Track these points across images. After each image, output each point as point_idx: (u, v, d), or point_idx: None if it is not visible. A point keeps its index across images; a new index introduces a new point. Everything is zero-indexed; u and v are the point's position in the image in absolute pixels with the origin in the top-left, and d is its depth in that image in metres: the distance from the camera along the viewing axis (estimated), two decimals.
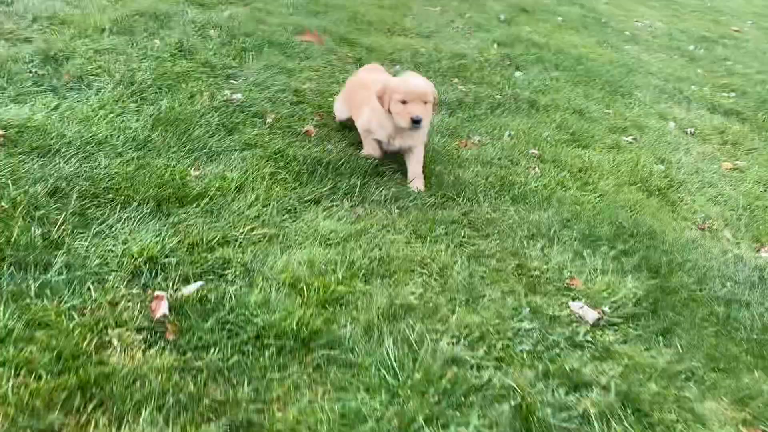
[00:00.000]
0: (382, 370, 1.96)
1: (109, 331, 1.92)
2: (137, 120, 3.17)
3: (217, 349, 1.92)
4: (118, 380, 1.74)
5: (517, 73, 5.14)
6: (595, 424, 1.89)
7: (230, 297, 2.12)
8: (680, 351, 2.26)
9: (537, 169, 3.47)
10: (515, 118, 4.16)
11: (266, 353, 1.94)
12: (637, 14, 9.09)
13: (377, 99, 2.95)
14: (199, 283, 2.16)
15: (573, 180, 3.42)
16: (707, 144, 4.60)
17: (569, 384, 2.02)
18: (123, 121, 3.14)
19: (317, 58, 4.53)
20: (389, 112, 2.92)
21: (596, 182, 3.44)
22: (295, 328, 2.01)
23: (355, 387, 1.89)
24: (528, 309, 2.34)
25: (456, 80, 4.70)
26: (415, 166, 3.03)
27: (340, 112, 3.47)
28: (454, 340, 2.12)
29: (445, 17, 6.45)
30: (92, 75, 3.56)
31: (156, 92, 3.51)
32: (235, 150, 3.07)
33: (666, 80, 5.93)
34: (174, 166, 2.81)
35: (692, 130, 4.77)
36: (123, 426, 1.63)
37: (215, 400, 1.74)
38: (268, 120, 3.45)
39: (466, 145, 3.60)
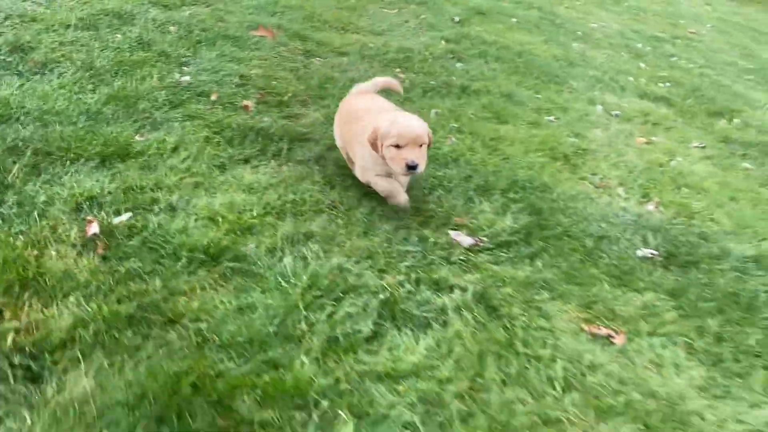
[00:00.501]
0: (279, 278, 2.40)
1: (49, 246, 2.37)
2: (92, 97, 3.63)
3: (138, 259, 2.37)
4: (51, 276, 2.18)
5: (458, 65, 5.64)
6: (450, 313, 2.33)
7: (154, 225, 2.57)
8: (541, 268, 2.71)
9: (453, 138, 3.94)
10: (444, 101, 4.64)
11: (179, 263, 2.39)
12: (596, 17, 9.62)
13: (370, 145, 2.81)
14: (129, 214, 2.61)
15: (483, 147, 3.89)
16: (628, 124, 5.08)
17: (435, 287, 2.47)
18: (79, 98, 3.60)
19: (268, 50, 5.02)
20: (383, 157, 2.78)
21: (505, 149, 3.92)
22: (205, 244, 2.47)
23: (253, 289, 2.34)
24: (416, 238, 2.79)
25: (398, 69, 5.19)
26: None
27: (338, 139, 3.28)
28: (345, 258, 2.57)
29: (400, 18, 6.97)
30: (56, 62, 4.03)
31: (112, 76, 3.98)
32: (177, 120, 3.53)
33: (605, 72, 6.43)
34: (120, 132, 3.28)
35: (618, 113, 5.26)
36: (51, 306, 2.07)
37: (131, 290, 2.19)
38: (213, 98, 3.92)
39: None
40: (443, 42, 6.31)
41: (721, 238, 3.35)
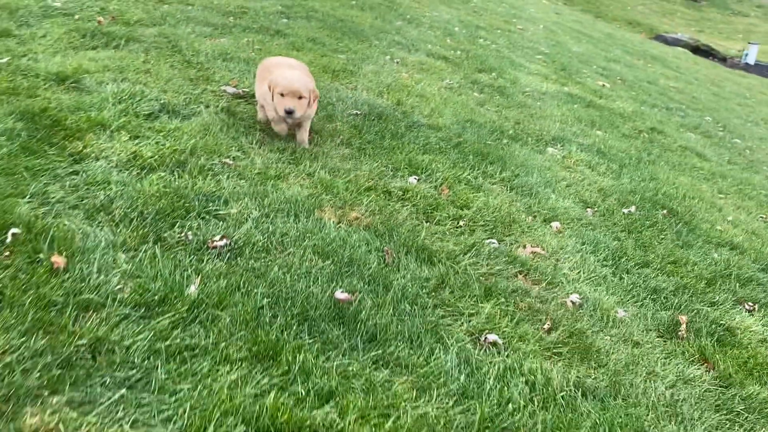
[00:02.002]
0: (100, 93, 4.32)
1: None
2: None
3: (9, 76, 4.22)
4: None
5: (284, 20, 7.71)
6: (204, 113, 4.33)
7: (23, 63, 4.43)
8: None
9: (252, 54, 5.97)
10: (259, 36, 6.68)
11: (38, 79, 4.26)
12: (434, 9, 12.00)
13: (268, 89, 3.87)
14: (7, 58, 4.45)
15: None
16: (403, 67, 7.29)
17: (202, 104, 4.46)
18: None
19: None
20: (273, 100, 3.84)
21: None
22: (57, 72, 4.35)
23: (82, 96, 4.24)
24: (202, 88, 4.77)
25: (231, 18, 7.19)
26: (302, 134, 4.15)
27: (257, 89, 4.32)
28: (147, 88, 4.52)
29: None
30: None
31: None
32: (46, 23, 5.37)
33: (410, 40, 8.68)
34: (1, 25, 5.09)
35: (398, 60, 7.47)
36: None
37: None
38: (75, 16, 5.78)
39: (216, 41, 6.07)
40: (280, 6, 8.38)
41: (412, 113, 5.53)
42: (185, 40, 5.81)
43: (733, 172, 7.11)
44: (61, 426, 1.88)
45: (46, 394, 1.96)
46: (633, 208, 4.82)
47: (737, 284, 4.14)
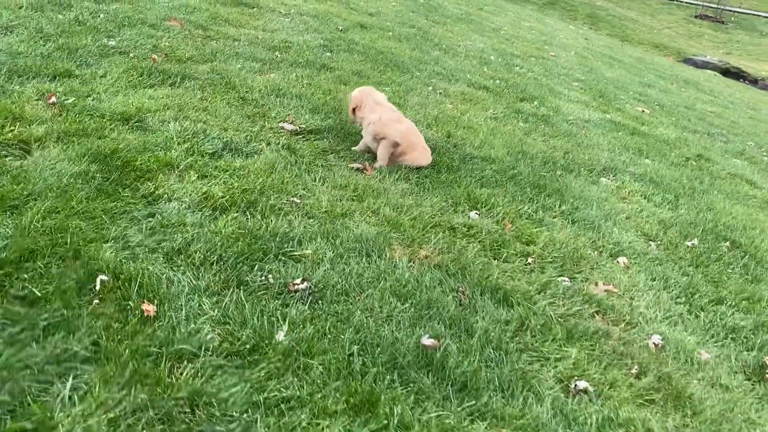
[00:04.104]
0: (163, 131, 4.34)
1: (26, 106, 4.23)
2: (43, 48, 5.50)
3: (77, 117, 4.26)
4: (27, 118, 4.06)
5: (327, 54, 7.76)
6: (266, 151, 4.32)
7: (88, 104, 4.47)
8: (332, 140, 4.76)
9: (302, 88, 5.99)
10: (306, 70, 6.72)
11: (103, 120, 4.29)
12: (467, 39, 12.02)
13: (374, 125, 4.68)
14: (72, 98, 4.50)
15: (323, 95, 5.95)
16: (446, 98, 7.28)
17: (263, 141, 4.46)
18: (37, 47, 5.48)
19: (176, 33, 7.00)
20: None
21: (340, 95, 5.99)
22: (121, 112, 4.38)
23: (146, 135, 4.26)
24: (258, 125, 4.79)
25: (277, 53, 7.24)
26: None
27: None
28: (209, 126, 4.53)
29: (292, 24, 9.08)
30: (12, 27, 5.89)
31: (57, 38, 5.87)
32: (104, 63, 5.45)
33: (449, 70, 8.69)
34: (64, 66, 5.16)
35: (441, 91, 7.45)
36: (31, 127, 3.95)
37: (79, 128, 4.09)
38: (131, 54, 5.86)
39: (267, 77, 6.11)
40: (321, 40, 8.43)
41: (464, 145, 5.49)
42: (238, 77, 5.84)
43: None
44: None
45: None
46: (696, 241, 4.70)
47: None
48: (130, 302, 2.50)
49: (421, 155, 4.79)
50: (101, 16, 6.83)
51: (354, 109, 4.71)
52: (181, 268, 2.84)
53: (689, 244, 4.65)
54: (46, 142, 3.81)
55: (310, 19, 9.58)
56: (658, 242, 4.55)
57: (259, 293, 2.77)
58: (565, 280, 3.57)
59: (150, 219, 3.20)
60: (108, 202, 3.23)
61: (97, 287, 2.54)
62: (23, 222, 2.85)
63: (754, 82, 20.99)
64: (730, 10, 30.01)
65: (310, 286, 2.86)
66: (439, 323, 2.83)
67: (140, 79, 5.27)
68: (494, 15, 16.34)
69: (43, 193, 3.13)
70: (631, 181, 5.75)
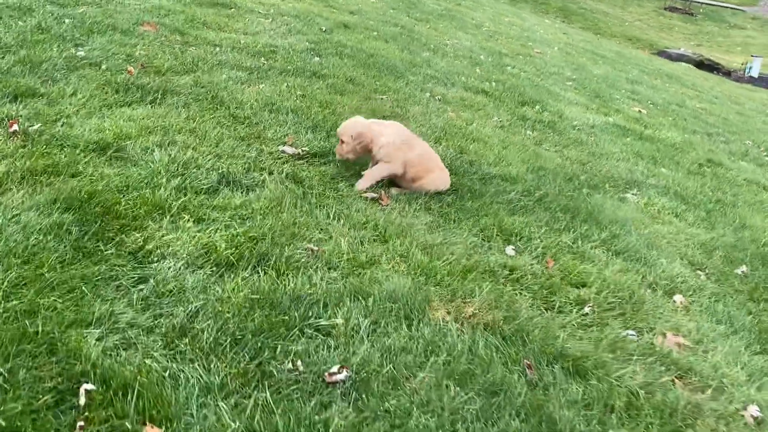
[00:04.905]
0: (148, 162, 3.66)
1: None
2: (3, 61, 4.75)
3: (45, 148, 3.56)
4: None
5: (316, 59, 7.09)
6: (268, 183, 3.67)
7: (57, 131, 3.76)
8: (333, 167, 4.12)
9: (296, 101, 5.33)
10: (296, 79, 6.05)
11: (75, 151, 3.60)
12: (452, 37, 11.43)
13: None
14: (39, 124, 3.79)
15: (320, 107, 5.30)
16: (447, 105, 6.68)
17: (261, 171, 3.81)
18: None
19: (151, 39, 6.26)
20: None
21: (336, 109, 5.34)
22: (97, 140, 3.69)
23: (128, 168, 3.58)
24: (254, 150, 4.13)
25: (263, 59, 6.55)
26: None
27: None
28: (198, 153, 3.86)
29: (274, 25, 8.37)
30: None
31: (17, 49, 5.10)
32: (73, 78, 4.72)
33: (442, 73, 8.08)
34: (26, 83, 4.43)
35: (440, 97, 6.85)
36: None
37: (46, 162, 3.38)
38: (103, 66, 5.12)
39: (256, 88, 5.43)
40: (307, 43, 7.75)
41: (480, 162, 4.90)
42: (225, 90, 5.17)
43: None
44: None
45: None
46: (745, 268, 4.20)
47: None
48: (126, 422, 1.85)
49: (438, 178, 4.19)
50: (66, 21, 6.06)
51: (362, 146, 4.06)
52: (187, 356, 2.20)
53: (739, 272, 4.15)
54: (6, 184, 3.11)
55: (291, 20, 8.88)
56: (707, 272, 4.03)
57: (289, 391, 2.14)
58: (631, 334, 3.02)
59: (141, 286, 2.55)
60: (88, 264, 2.57)
61: (81, 401, 1.88)
62: None
63: (727, 74, 20.82)
64: (699, 2, 29.95)
65: (350, 376, 2.23)
66: (512, 417, 2.25)
67: (115, 96, 4.57)
68: (473, 11, 15.78)
69: (4, 261, 2.44)
70: (656, 196, 5.24)
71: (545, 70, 10.62)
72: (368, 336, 2.52)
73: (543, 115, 7.22)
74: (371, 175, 4.02)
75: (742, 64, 21.38)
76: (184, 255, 2.80)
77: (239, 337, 2.35)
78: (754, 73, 20.57)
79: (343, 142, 4.03)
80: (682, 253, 4.23)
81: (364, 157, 4.12)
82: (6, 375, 1.94)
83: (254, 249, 2.94)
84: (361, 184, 3.97)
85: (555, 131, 6.66)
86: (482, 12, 16.43)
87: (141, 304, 2.44)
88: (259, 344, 2.35)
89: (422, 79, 7.49)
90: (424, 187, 4.08)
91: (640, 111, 9.23)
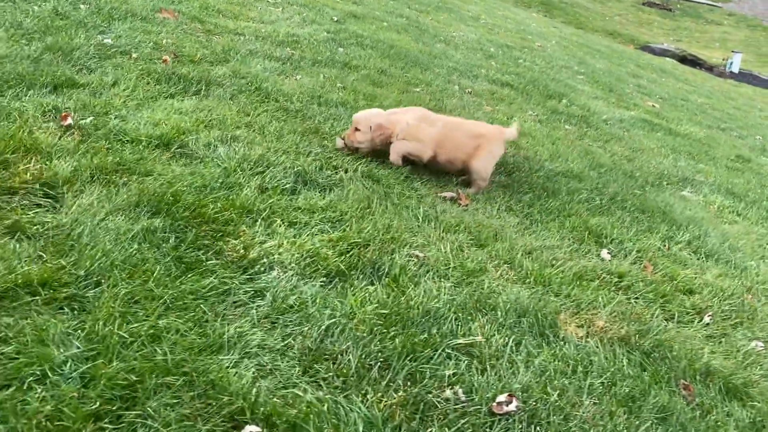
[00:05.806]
0: (216, 159, 3.32)
1: (35, 130, 3.13)
2: (28, 48, 4.33)
3: (107, 143, 3.19)
4: (43, 149, 2.97)
5: (340, 49, 6.75)
6: (345, 181, 3.36)
7: (113, 125, 3.40)
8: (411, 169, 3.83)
9: (339, 93, 5.01)
10: (331, 70, 5.72)
11: (139, 147, 3.24)
12: (456, 29, 11.17)
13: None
14: (91, 117, 3.42)
15: (363, 99, 4.99)
16: (479, 98, 6.41)
17: (333, 169, 3.49)
18: (21, 47, 4.29)
19: (173, 27, 5.86)
20: None
21: (381, 102, 5.04)
22: (159, 135, 3.34)
23: (196, 165, 3.24)
24: (317, 145, 3.80)
25: (288, 48, 6.20)
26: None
27: None
28: (266, 150, 3.53)
29: (285, 14, 8.00)
30: None
31: (41, 35, 4.68)
32: (109, 67, 4.32)
33: (462, 65, 7.82)
34: (63, 72, 4.03)
35: (470, 90, 6.58)
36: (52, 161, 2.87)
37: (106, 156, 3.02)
38: (134, 55, 4.73)
39: (294, 79, 5.08)
40: (325, 33, 7.40)
41: (536, 159, 4.65)
42: (265, 81, 4.82)
43: None
44: None
45: None
46: None
47: None
48: None
49: (494, 144, 3.91)
50: (82, 7, 5.62)
51: (382, 138, 3.82)
52: (332, 383, 1.90)
53: None
54: (77, 184, 2.75)
55: (301, 9, 8.51)
56: None
57: (461, 426, 1.85)
58: (759, 345, 2.79)
59: (259, 301, 2.24)
60: (195, 278, 2.24)
61: None
62: (97, 328, 1.85)
63: (709, 69, 20.99)
64: None
65: (520, 406, 1.96)
66: None
67: (158, 87, 4.19)
68: (466, 3, 15.53)
69: (109, 275, 2.10)
70: (711, 193, 5.07)
71: (554, 63, 10.44)
72: (515, 355, 2.24)
73: (572, 109, 7.01)
74: (394, 149, 3.79)
75: (723, 60, 21.56)
76: (292, 265, 2.49)
77: (385, 360, 2.06)
78: (735, 69, 20.76)
79: (357, 129, 3.77)
80: (760, 254, 4.05)
81: (383, 149, 3.84)
82: (154, 416, 1.61)
83: (364, 257, 2.63)
84: (392, 158, 3.79)
85: (590, 126, 6.46)
86: (474, 5, 16.19)
87: (266, 324, 2.14)
88: (409, 368, 2.05)
89: (447, 72, 7.22)
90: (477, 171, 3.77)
91: (653, 105, 9.11)
